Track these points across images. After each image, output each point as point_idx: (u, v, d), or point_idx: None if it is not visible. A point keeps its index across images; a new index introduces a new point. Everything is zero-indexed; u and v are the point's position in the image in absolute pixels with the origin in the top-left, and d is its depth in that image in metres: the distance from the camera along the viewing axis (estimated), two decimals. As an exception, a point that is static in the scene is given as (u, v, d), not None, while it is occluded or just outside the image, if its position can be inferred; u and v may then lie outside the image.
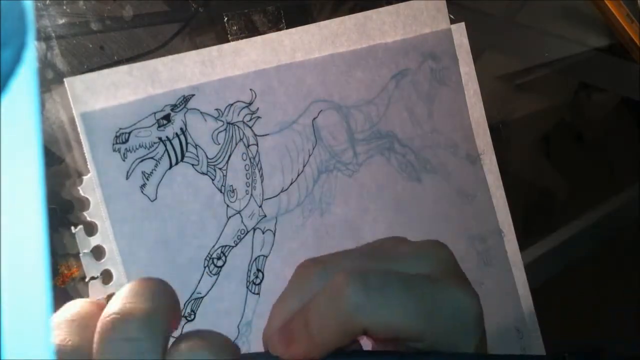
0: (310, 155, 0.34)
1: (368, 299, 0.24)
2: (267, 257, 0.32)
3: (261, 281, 0.32)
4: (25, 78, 0.15)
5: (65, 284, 0.34)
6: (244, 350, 0.31)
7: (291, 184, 0.33)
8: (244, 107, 0.32)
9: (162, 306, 0.22)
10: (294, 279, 0.26)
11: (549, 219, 0.66)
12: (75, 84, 0.28)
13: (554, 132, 0.59)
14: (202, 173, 0.31)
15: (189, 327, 0.30)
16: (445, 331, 0.25)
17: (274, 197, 0.33)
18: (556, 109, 0.61)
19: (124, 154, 0.29)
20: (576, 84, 0.62)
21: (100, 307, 0.22)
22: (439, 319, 0.24)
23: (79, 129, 0.28)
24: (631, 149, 0.64)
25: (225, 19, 0.34)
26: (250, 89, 0.32)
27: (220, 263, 0.31)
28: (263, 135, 0.33)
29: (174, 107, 0.30)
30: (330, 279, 0.24)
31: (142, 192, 0.29)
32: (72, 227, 0.28)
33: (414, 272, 0.25)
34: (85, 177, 0.28)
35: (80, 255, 0.28)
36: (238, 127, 0.32)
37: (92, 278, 0.28)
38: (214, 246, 0.31)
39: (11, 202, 0.16)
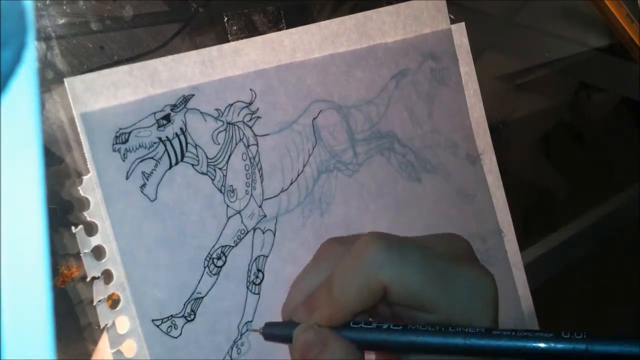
0: (310, 155, 0.34)
1: (389, 257, 0.25)
2: (267, 257, 0.32)
3: (261, 281, 0.32)
4: (25, 78, 0.15)
5: (65, 284, 0.34)
6: (244, 351, 0.31)
7: (291, 184, 0.33)
8: (244, 107, 0.32)
9: None
10: (317, 256, 0.28)
11: (549, 219, 0.66)
12: (75, 84, 0.28)
13: (554, 132, 0.59)
14: (202, 173, 0.31)
15: (189, 327, 0.30)
16: (460, 305, 0.25)
17: (274, 197, 0.33)
18: (556, 109, 0.61)
19: (124, 154, 0.29)
20: (576, 84, 0.62)
21: None
22: (455, 292, 0.25)
23: (79, 129, 0.28)
24: (631, 149, 0.64)
25: (225, 19, 0.34)
26: (250, 89, 0.32)
27: (220, 263, 0.31)
28: (263, 135, 0.33)
29: (173, 107, 0.30)
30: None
31: (142, 192, 0.29)
32: (72, 227, 0.28)
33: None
34: (85, 177, 0.28)
35: (82, 255, 0.28)
36: (238, 127, 0.32)
37: (94, 278, 0.28)
38: (214, 246, 0.31)
39: (11, 202, 0.16)
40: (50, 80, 0.30)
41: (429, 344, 0.25)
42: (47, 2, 0.30)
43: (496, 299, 0.26)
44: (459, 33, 0.40)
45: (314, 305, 0.27)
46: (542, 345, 0.24)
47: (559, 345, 0.23)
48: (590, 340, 0.23)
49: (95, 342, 0.32)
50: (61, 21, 0.31)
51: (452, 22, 0.40)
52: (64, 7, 0.31)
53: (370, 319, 0.27)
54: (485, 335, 0.24)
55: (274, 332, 0.29)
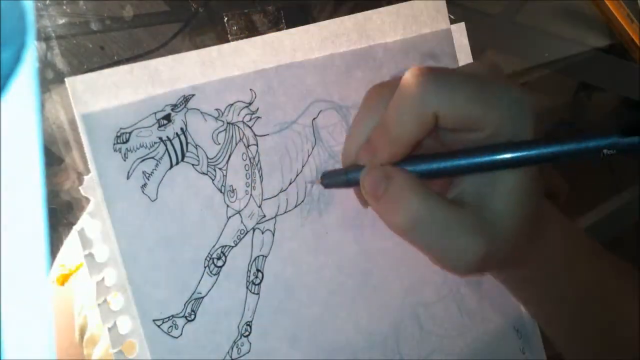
0: (309, 156, 0.34)
1: (436, 84, 0.27)
2: (266, 257, 0.32)
3: (261, 281, 0.32)
4: (25, 78, 0.15)
5: (65, 284, 0.34)
6: (244, 351, 0.31)
7: (290, 184, 0.33)
8: (244, 107, 0.32)
9: None
10: (365, 103, 0.29)
11: (549, 219, 0.66)
12: (76, 84, 0.28)
13: (554, 132, 0.59)
14: (203, 173, 0.31)
15: (189, 327, 0.30)
16: (506, 119, 0.27)
17: (273, 197, 0.33)
18: (556, 109, 0.61)
19: (124, 154, 0.29)
20: (576, 84, 0.62)
21: None
22: (501, 108, 0.27)
23: (79, 129, 0.28)
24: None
25: (225, 19, 0.34)
26: (250, 89, 0.32)
27: (220, 263, 0.31)
28: (263, 135, 0.33)
29: (174, 107, 0.30)
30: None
31: (142, 192, 0.29)
32: (73, 227, 0.28)
33: None
34: (86, 177, 0.28)
35: (82, 255, 0.28)
36: (238, 127, 0.32)
37: (95, 278, 0.28)
38: (214, 246, 0.31)
39: (11, 202, 0.16)
40: (50, 80, 0.30)
41: (482, 162, 0.27)
42: (47, 2, 0.30)
43: (539, 115, 0.28)
44: (459, 33, 0.40)
45: (374, 146, 0.29)
46: (592, 144, 0.26)
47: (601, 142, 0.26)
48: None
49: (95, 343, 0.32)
50: (61, 21, 0.31)
51: (452, 22, 0.40)
52: (64, 7, 0.31)
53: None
54: (532, 144, 0.27)
55: (336, 180, 0.30)
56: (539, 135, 0.28)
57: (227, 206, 0.31)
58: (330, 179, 0.30)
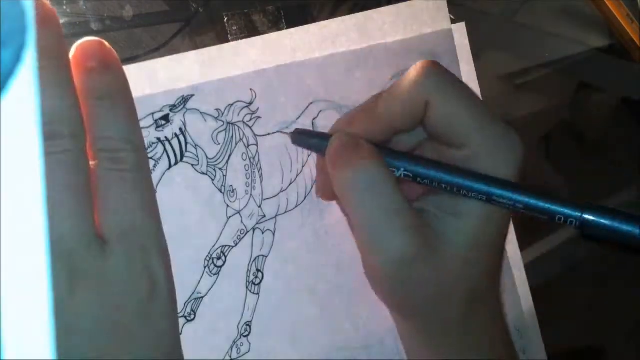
0: (309, 156, 0.34)
1: (437, 76, 0.26)
2: (266, 257, 0.32)
3: (261, 281, 0.32)
4: (25, 78, 0.15)
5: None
6: (243, 351, 0.31)
7: (290, 184, 0.33)
8: (244, 107, 0.32)
9: None
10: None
11: (549, 219, 0.66)
12: (75, 84, 0.28)
13: (554, 132, 0.59)
14: (202, 173, 0.31)
15: (189, 327, 0.30)
16: (490, 147, 0.26)
17: (273, 197, 0.33)
18: (556, 109, 0.61)
19: (124, 154, 0.29)
20: (576, 84, 0.62)
21: None
22: (489, 131, 0.26)
23: (79, 129, 0.28)
24: (631, 149, 0.63)
25: (225, 19, 0.34)
26: (250, 89, 0.32)
27: (220, 263, 0.31)
28: (263, 135, 0.33)
29: (172, 107, 0.30)
30: None
31: (142, 192, 0.29)
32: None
33: None
34: (85, 177, 0.28)
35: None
36: (238, 127, 0.32)
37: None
38: (214, 246, 0.31)
39: (11, 202, 0.16)
40: (50, 80, 0.30)
41: (454, 182, 0.26)
42: (47, 2, 0.30)
43: (523, 162, 0.27)
44: (459, 33, 0.40)
45: (353, 119, 0.29)
46: (557, 208, 0.26)
47: (567, 211, 0.26)
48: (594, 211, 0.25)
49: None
50: (61, 21, 0.30)
51: (452, 22, 0.40)
52: (64, 7, 0.31)
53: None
54: (507, 186, 0.25)
55: (307, 139, 0.30)
56: (519, 181, 0.27)
57: (227, 206, 0.31)
58: (300, 137, 0.30)
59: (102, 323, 0.22)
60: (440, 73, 0.27)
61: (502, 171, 0.26)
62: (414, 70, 0.27)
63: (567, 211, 0.25)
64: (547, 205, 0.25)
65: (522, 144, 0.27)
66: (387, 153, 0.28)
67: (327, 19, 0.35)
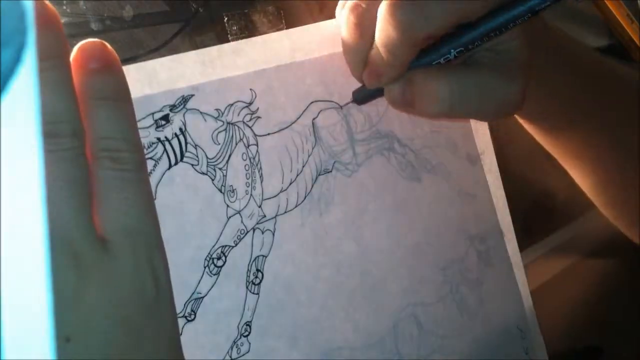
0: (309, 156, 0.34)
1: (422, 7, 0.28)
2: (266, 257, 0.32)
3: (261, 281, 0.32)
4: (25, 78, 0.15)
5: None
6: (243, 351, 0.31)
7: (290, 184, 0.33)
8: (244, 107, 0.32)
9: None
10: (352, 22, 0.31)
11: (549, 219, 0.66)
12: (75, 84, 0.28)
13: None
14: (202, 173, 0.31)
15: (189, 327, 0.30)
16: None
17: (273, 197, 0.33)
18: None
19: (124, 154, 0.29)
20: (576, 84, 0.62)
21: None
22: None
23: (79, 129, 0.28)
24: (631, 149, 0.63)
25: (225, 19, 0.34)
26: (250, 89, 0.32)
27: (220, 263, 0.31)
28: (263, 135, 0.33)
29: (172, 107, 0.30)
30: None
31: (142, 192, 0.29)
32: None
33: None
34: (85, 177, 0.28)
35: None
36: (238, 127, 0.32)
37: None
38: (214, 246, 0.31)
39: (11, 202, 0.16)
40: (50, 80, 0.30)
41: (496, 24, 0.29)
42: (47, 2, 0.30)
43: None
44: (459, 33, 0.40)
45: (375, 72, 0.31)
46: None
47: None
48: None
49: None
50: (61, 21, 0.31)
51: (452, 22, 0.40)
52: (64, 7, 0.31)
53: None
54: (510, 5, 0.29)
55: (366, 93, 0.34)
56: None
57: (227, 206, 0.31)
58: (360, 93, 0.34)
59: (114, 320, 0.22)
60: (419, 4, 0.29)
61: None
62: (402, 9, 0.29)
63: None
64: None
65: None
66: (428, 54, 0.31)
67: (327, 19, 0.35)
